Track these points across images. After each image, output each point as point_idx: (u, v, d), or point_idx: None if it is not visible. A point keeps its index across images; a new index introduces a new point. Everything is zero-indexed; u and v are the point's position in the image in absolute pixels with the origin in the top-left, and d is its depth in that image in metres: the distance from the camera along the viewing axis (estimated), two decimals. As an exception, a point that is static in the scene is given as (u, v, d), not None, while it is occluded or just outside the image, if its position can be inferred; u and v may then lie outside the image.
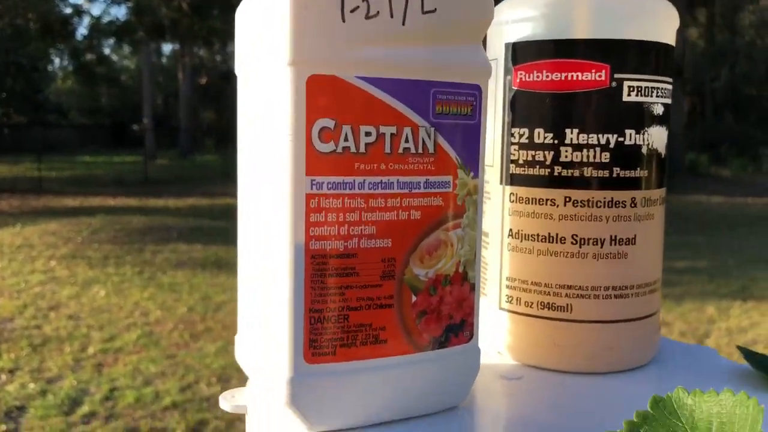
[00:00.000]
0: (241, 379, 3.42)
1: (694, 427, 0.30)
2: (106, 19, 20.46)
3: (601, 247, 0.44)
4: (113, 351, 4.71)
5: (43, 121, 28.35)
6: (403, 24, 0.35)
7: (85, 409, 3.77)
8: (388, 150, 0.37)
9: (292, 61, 0.34)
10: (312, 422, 0.37)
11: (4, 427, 3.57)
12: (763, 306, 6.05)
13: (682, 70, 19.57)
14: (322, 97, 0.35)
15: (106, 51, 29.94)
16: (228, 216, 11.37)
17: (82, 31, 44.84)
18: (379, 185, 0.36)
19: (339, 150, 0.35)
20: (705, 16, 25.91)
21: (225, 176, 19.25)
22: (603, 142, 0.43)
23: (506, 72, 0.45)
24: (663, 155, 0.46)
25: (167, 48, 35.25)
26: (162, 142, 28.68)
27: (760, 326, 5.47)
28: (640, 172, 0.45)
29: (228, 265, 7.45)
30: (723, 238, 9.97)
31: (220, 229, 9.83)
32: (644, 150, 0.45)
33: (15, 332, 5.07)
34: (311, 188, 0.35)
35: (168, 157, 26.16)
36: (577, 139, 0.43)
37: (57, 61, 31.68)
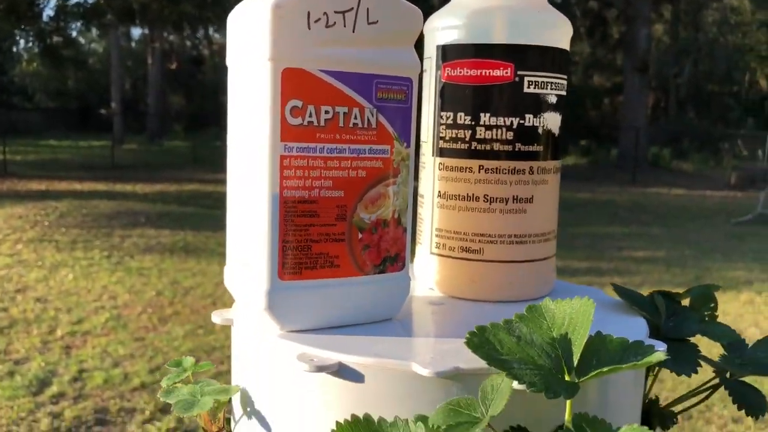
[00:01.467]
0: (211, 360, 3.54)
1: (553, 322, 0.42)
2: (73, 1, 20.14)
3: (506, 204, 0.57)
4: (81, 333, 4.74)
5: (8, 103, 27.84)
6: (353, 31, 0.47)
7: (53, 389, 3.80)
8: (341, 124, 0.49)
9: (271, 58, 0.47)
10: (283, 324, 0.50)
11: (-28, 405, 3.59)
12: (717, 295, 6.32)
13: (647, 65, 19.95)
14: (293, 84, 0.47)
15: (73, 34, 29.47)
16: (196, 202, 11.41)
17: (48, 12, 43.99)
18: (335, 150, 0.49)
19: (305, 123, 0.48)
20: (670, 12, 26.37)
21: (193, 162, 19.19)
22: (508, 123, 0.56)
23: (437, 68, 0.58)
24: (556, 134, 0.58)
25: (136, 32, 34.81)
26: (130, 127, 28.38)
27: (712, 313, 5.73)
28: (536, 147, 0.58)
29: (196, 251, 7.51)
30: (681, 229, 10.27)
31: (188, 214, 9.85)
32: (540, 130, 0.58)
33: (-18, 314, 5.08)
34: (284, 151, 0.48)
35: (136, 141, 25.91)
36: (489, 121, 0.56)
37: (22, 42, 31.12)
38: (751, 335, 5.16)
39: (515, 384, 0.38)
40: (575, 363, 0.40)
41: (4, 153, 14.23)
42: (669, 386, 3.70)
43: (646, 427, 0.38)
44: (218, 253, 7.34)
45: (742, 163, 19.65)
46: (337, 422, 0.40)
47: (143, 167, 17.17)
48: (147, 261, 6.90)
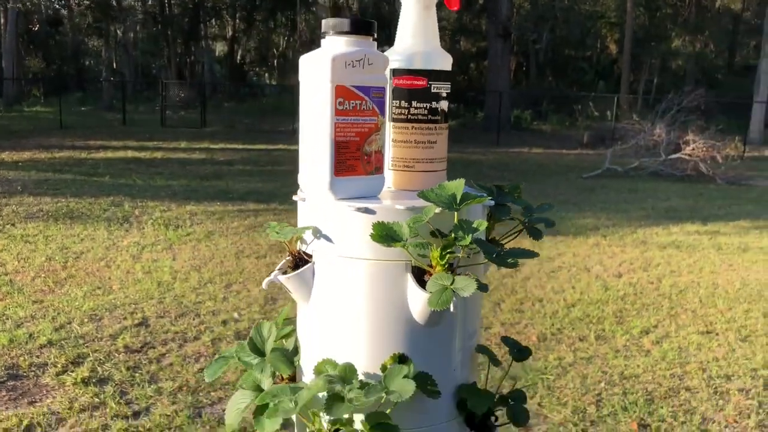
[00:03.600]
0: (114, 317, 3.89)
1: (443, 188, 0.89)
2: None
3: (424, 144, 1.03)
4: (-24, 299, 4.79)
5: None
6: (363, 68, 0.95)
7: (-41, 350, 3.91)
8: (358, 109, 0.98)
9: (330, 80, 0.96)
10: (336, 196, 0.98)
11: None
12: (569, 240, 7.13)
13: (509, 32, 21.06)
14: (338, 91, 0.96)
15: None
16: (71, 169, 11.16)
17: None
18: (355, 120, 0.98)
19: (343, 108, 0.96)
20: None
21: (60, 128, 18.43)
22: (424, 106, 1.02)
23: (391, 78, 1.02)
24: (446, 111, 1.04)
25: (-19, -12, 32.15)
26: (-18, 92, 26.51)
27: (565, 255, 6.50)
28: (438, 117, 1.04)
29: (82, 216, 7.51)
30: (539, 185, 11.25)
31: (67, 181, 9.68)
32: (439, 109, 1.04)
33: None
34: (336, 120, 0.97)
35: (-9, 108, 24.42)
36: (415, 105, 1.02)
37: None
38: (596, 271, 5.97)
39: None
40: (458, 199, 0.86)
41: None
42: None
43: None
44: (104, 218, 7.39)
45: (594, 124, 21.30)
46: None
47: (5, 134, 16.31)
48: (31, 228, 6.87)
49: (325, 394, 0.80)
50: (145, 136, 17.28)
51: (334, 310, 0.92)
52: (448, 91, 1.05)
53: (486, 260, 0.90)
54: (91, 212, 7.73)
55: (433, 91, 1.00)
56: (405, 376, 0.79)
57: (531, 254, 0.94)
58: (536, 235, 1.02)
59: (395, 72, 1.00)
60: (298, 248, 0.96)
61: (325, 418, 0.82)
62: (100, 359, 3.85)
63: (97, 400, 3.37)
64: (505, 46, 20.77)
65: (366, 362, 0.91)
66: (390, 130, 1.03)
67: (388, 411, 0.80)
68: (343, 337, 0.92)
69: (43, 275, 5.37)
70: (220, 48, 39.27)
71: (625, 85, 25.27)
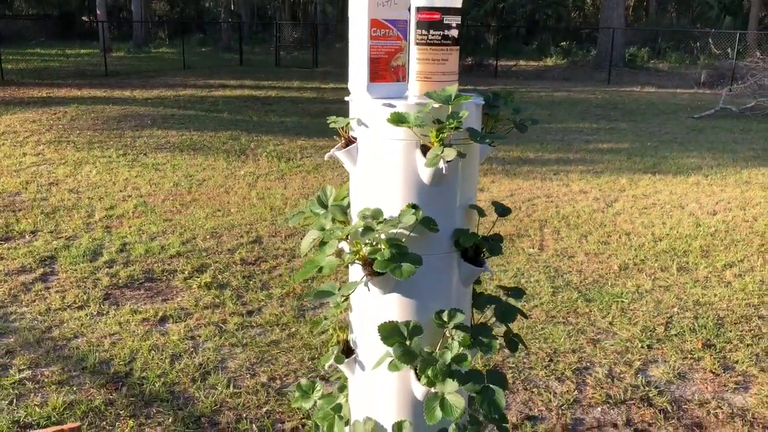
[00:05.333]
0: (232, 235, 4.49)
1: (444, 90, 1.21)
2: None
3: (439, 61, 1.36)
4: (116, 217, 5.49)
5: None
6: (389, 7, 1.29)
7: (105, 258, 4.58)
8: (387, 35, 1.39)
9: (368, 16, 1.38)
10: (372, 96, 1.42)
11: (41, 270, 4.37)
12: (668, 178, 7.14)
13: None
14: (373, 24, 1.40)
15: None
16: (194, 106, 11.98)
17: None
18: (385, 43, 1.42)
19: (376, 35, 1.33)
20: None
21: (182, 68, 19.55)
22: (439, 32, 1.34)
23: (416, 13, 1.34)
24: (456, 36, 1.35)
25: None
26: (114, 35, 28.29)
27: (662, 193, 6.56)
28: (450, 41, 1.37)
29: (203, 148, 8.21)
30: (646, 124, 11.04)
31: (190, 117, 10.46)
32: (449, 35, 1.36)
33: (25, 203, 5.80)
34: (371, 44, 1.38)
35: (123, 49, 26.03)
36: (432, 32, 1.35)
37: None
38: (691, 209, 6.02)
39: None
40: (452, 97, 1.21)
41: (0, 62, 14.53)
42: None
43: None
44: (223, 150, 8.06)
45: (716, 62, 20.22)
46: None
47: (136, 74, 17.53)
48: (160, 158, 7.62)
49: (362, 226, 1.17)
50: (261, 75, 18.07)
51: (370, 175, 1.31)
52: (458, 22, 1.37)
53: (473, 141, 1.26)
54: (212, 144, 8.43)
55: (445, 22, 1.33)
56: (412, 215, 1.15)
57: (500, 137, 1.27)
58: (522, 129, 1.33)
59: (419, 9, 1.33)
60: (348, 134, 1.34)
61: (365, 249, 1.19)
62: (220, 269, 4.42)
63: (217, 300, 3.93)
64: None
65: (390, 211, 1.31)
66: (415, 51, 1.36)
67: (403, 240, 1.17)
68: (376, 192, 1.29)
69: (171, 198, 6.04)
70: (332, -12, 39.61)
71: (754, 20, 23.66)
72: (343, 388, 1.44)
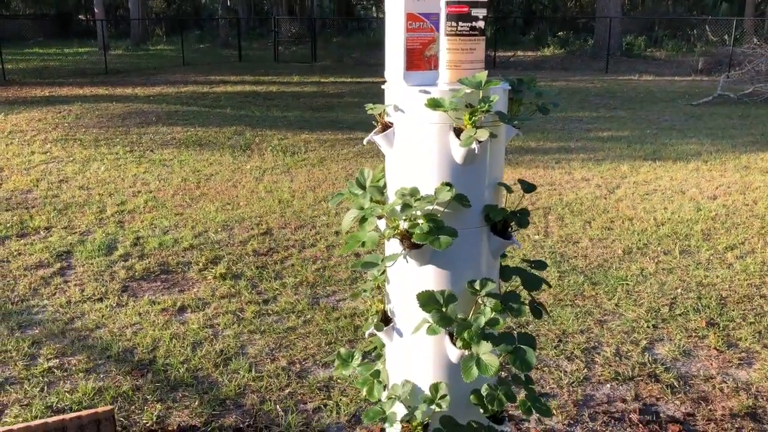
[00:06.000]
0: (243, 228, 4.66)
1: (474, 77, 1.31)
2: None
3: (468, 51, 1.46)
4: (128, 212, 5.59)
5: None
6: (424, 1, 1.41)
7: (120, 251, 4.68)
8: (422, 27, 1.49)
9: (405, 9, 1.48)
10: (408, 83, 1.55)
11: (58, 265, 4.47)
12: (668, 164, 7.24)
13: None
14: (408, 17, 1.50)
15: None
16: (196, 102, 12.08)
17: None
18: (420, 34, 1.51)
19: (412, 27, 1.43)
20: None
21: (182, 65, 19.62)
22: (468, 24, 1.44)
23: (446, 6, 1.44)
24: (483, 28, 1.46)
25: (106, -68, 33.82)
26: (111, 33, 28.31)
27: (662, 179, 6.66)
28: (477, 32, 1.47)
29: (209, 144, 8.31)
30: (645, 111, 11.14)
31: (193, 113, 10.56)
32: (477, 27, 1.46)
33: (37, 200, 5.89)
34: (407, 36, 1.49)
35: (121, 47, 26.07)
36: (460, 23, 1.45)
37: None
38: (692, 194, 6.13)
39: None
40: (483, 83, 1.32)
41: (2, 62, 14.59)
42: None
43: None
44: (228, 146, 8.15)
45: (713, 49, 20.29)
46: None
47: (136, 72, 17.59)
48: (167, 154, 7.71)
49: (400, 204, 1.28)
50: (260, 71, 18.13)
51: (406, 157, 1.41)
52: (485, 14, 1.49)
53: (502, 123, 1.38)
54: (217, 140, 8.52)
55: (472, 14, 1.43)
56: (448, 192, 1.26)
57: (526, 119, 1.38)
58: (544, 111, 1.43)
59: (448, 2, 1.44)
60: (385, 119, 1.44)
61: (403, 224, 1.30)
62: (234, 260, 4.52)
63: (233, 290, 4.04)
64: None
65: (425, 189, 1.42)
66: (446, 42, 1.46)
67: (438, 215, 1.28)
68: (412, 173, 1.39)
69: (180, 193, 6.14)
70: (328, -18, 39.62)
71: (750, 7, 23.71)
72: (379, 356, 1.55)
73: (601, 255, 4.60)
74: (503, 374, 1.52)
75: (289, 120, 10.19)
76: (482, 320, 1.28)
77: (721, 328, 3.53)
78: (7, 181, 6.50)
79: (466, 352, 1.28)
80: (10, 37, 26.14)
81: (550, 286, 1.51)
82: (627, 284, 4.10)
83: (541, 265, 1.49)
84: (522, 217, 1.38)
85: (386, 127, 1.43)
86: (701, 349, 3.33)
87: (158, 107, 10.90)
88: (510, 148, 8.15)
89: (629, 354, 3.27)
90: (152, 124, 9.32)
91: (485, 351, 1.26)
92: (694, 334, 3.48)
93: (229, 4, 34.30)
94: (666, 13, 26.71)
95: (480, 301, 1.34)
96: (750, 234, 5.02)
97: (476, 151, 1.26)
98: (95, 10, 24.18)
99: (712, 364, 3.19)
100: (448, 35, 1.45)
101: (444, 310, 1.29)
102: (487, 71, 1.35)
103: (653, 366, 3.16)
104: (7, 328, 3.54)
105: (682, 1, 27.89)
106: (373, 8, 38.03)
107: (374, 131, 1.45)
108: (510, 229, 1.40)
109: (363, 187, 1.43)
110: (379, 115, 1.46)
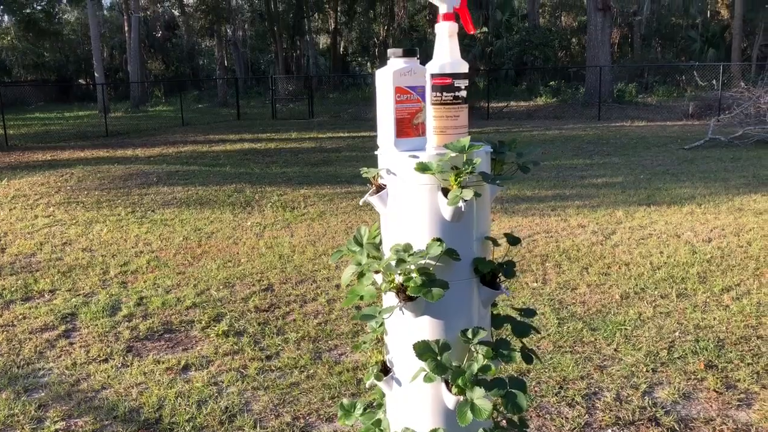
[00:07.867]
0: (244, 284, 4.75)
1: (459, 141, 1.41)
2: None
3: (453, 117, 1.56)
4: (131, 272, 5.66)
5: (-9, 79, 28.11)
6: (410, 76, 1.52)
7: (123, 312, 4.73)
8: (408, 99, 1.59)
9: (392, 84, 1.66)
10: (399, 149, 1.66)
11: (63, 327, 4.52)
12: (662, 209, 7.35)
13: (609, 5, 20.75)
14: (397, 90, 1.61)
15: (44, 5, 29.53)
16: (196, 161, 12.28)
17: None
18: (407, 105, 1.62)
19: (400, 99, 1.54)
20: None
21: (181, 125, 19.97)
22: (451, 94, 1.56)
23: (432, 78, 1.57)
24: (465, 96, 1.57)
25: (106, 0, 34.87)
26: (110, 95, 28.84)
27: (657, 223, 6.75)
28: (459, 101, 1.59)
29: (210, 202, 8.43)
30: (638, 157, 11.31)
31: (194, 172, 10.73)
32: (460, 96, 1.58)
33: (41, 264, 5.97)
34: (397, 107, 1.63)
35: (120, 109, 26.53)
36: (445, 94, 1.57)
37: (-6, 16, 31.10)
38: (687, 237, 6.21)
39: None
40: (466, 147, 1.41)
41: (5, 128, 14.84)
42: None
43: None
44: (228, 203, 8.27)
45: (703, 94, 20.66)
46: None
47: (135, 133, 17.88)
48: (168, 213, 7.82)
49: (395, 259, 1.36)
50: (259, 128, 18.43)
51: (399, 215, 1.52)
52: (466, 84, 1.59)
53: (485, 183, 1.48)
54: (218, 198, 8.65)
55: (455, 85, 1.53)
56: (438, 247, 1.35)
57: (507, 178, 1.47)
58: (525, 170, 1.53)
59: (433, 75, 1.54)
60: (378, 181, 1.54)
61: (398, 278, 1.38)
62: (236, 317, 4.58)
63: (236, 347, 4.08)
64: (605, 20, 20.50)
65: (418, 245, 1.51)
66: (432, 110, 1.56)
67: (431, 269, 1.36)
68: (405, 230, 1.49)
69: (182, 252, 6.22)
70: (323, 41, 40.63)
71: (736, 52, 24.26)
72: (380, 405, 1.62)
73: (599, 301, 4.66)
74: (499, 418, 1.58)
75: (288, 176, 10.34)
76: (475, 367, 1.35)
77: (719, 370, 3.57)
78: (11, 246, 6.59)
79: (462, 398, 1.35)
80: (12, 102, 26.59)
81: (538, 332, 1.58)
82: (625, 329, 4.15)
83: (530, 313, 1.57)
84: (508, 269, 1.47)
85: (380, 188, 1.54)
86: (700, 391, 3.37)
87: (159, 168, 11.07)
88: (506, 197, 8.27)
89: (629, 398, 3.31)
90: (153, 185, 9.46)
91: (479, 396, 1.32)
92: (693, 376, 3.51)
93: (226, 63, 35.02)
94: (655, 60, 27.26)
95: (473, 348, 1.42)
96: (745, 275, 5.08)
97: (462, 209, 1.35)
98: (95, 74, 24.68)
99: (711, 406, 3.22)
100: (433, 104, 1.55)
101: (439, 358, 1.37)
102: (469, 137, 1.45)
103: (653, 410, 3.19)
104: (14, 392, 3.57)
105: (670, 47, 28.50)
106: (368, 64, 38.84)
107: (369, 192, 1.55)
108: (498, 279, 1.49)
109: (360, 244, 1.52)
110: (373, 177, 1.57)
